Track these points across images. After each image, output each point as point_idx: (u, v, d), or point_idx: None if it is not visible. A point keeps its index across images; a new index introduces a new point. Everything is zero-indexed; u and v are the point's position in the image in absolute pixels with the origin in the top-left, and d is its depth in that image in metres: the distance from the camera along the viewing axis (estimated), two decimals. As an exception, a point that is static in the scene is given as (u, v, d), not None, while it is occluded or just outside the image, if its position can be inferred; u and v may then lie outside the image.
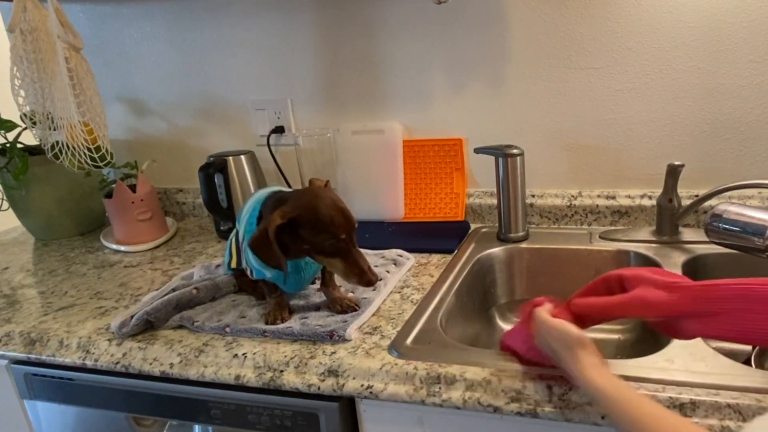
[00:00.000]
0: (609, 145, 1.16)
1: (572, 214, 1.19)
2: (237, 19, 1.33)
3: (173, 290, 0.94)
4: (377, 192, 1.29)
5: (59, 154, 1.20)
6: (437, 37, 1.20)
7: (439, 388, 0.72)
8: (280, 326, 0.84)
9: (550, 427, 0.70)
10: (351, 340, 0.81)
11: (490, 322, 1.10)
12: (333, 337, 0.81)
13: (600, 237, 1.11)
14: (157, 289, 1.02)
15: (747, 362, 0.84)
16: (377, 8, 1.22)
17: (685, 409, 0.63)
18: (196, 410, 0.86)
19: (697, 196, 1.09)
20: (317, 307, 0.91)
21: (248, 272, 0.87)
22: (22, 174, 1.27)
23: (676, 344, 0.74)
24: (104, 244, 1.33)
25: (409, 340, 0.80)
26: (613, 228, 1.15)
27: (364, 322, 0.86)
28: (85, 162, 1.19)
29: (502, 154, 1.09)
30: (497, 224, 1.16)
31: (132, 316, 0.89)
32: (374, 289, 0.94)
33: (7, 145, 1.30)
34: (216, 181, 1.24)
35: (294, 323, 0.85)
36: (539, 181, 1.21)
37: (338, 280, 0.91)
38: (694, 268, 0.99)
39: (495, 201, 1.20)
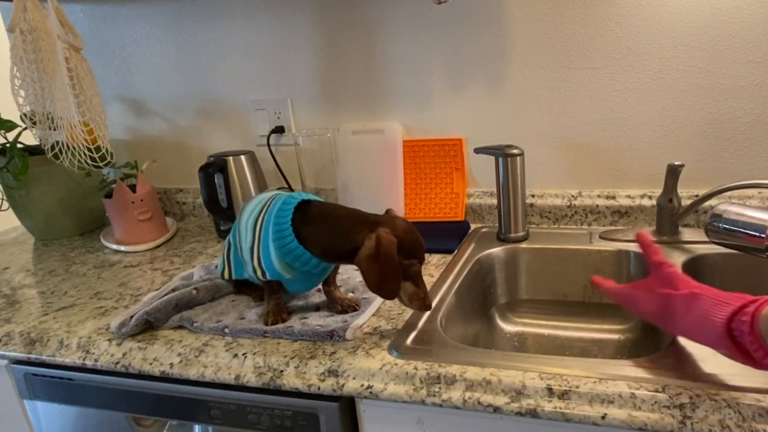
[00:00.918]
0: (609, 145, 1.16)
1: (572, 214, 1.19)
2: (237, 19, 1.33)
3: (173, 290, 0.94)
4: (377, 192, 1.29)
5: (59, 154, 1.20)
6: (437, 37, 1.20)
7: (439, 388, 0.72)
8: (281, 326, 0.84)
9: (550, 427, 0.70)
10: (351, 340, 0.81)
11: (490, 322, 1.10)
12: (333, 337, 0.81)
13: (600, 237, 1.11)
14: (157, 289, 1.02)
15: (747, 362, 0.84)
16: (377, 8, 1.22)
17: (685, 409, 0.63)
18: (196, 410, 0.86)
19: (697, 196, 1.09)
20: (317, 307, 0.91)
21: (259, 273, 0.86)
22: (22, 174, 1.27)
23: (676, 344, 0.74)
24: (104, 244, 1.33)
25: (409, 340, 0.80)
26: (613, 228, 1.15)
27: (364, 322, 0.86)
28: (85, 162, 1.19)
29: (502, 154, 1.09)
30: (497, 224, 1.16)
31: (132, 316, 0.89)
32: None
33: (7, 145, 1.30)
34: (216, 181, 1.24)
35: (294, 323, 0.85)
36: (539, 181, 1.21)
37: (340, 281, 0.91)
38: (694, 268, 0.99)
39: (495, 201, 1.20)
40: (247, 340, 0.84)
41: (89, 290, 1.09)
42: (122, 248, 1.29)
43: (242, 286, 0.98)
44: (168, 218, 1.42)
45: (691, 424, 0.62)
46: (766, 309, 0.59)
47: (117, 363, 0.86)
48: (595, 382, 0.67)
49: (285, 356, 0.79)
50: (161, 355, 0.84)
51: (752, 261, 0.99)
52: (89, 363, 0.88)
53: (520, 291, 1.13)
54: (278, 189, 1.36)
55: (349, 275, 1.00)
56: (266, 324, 0.85)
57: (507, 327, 1.11)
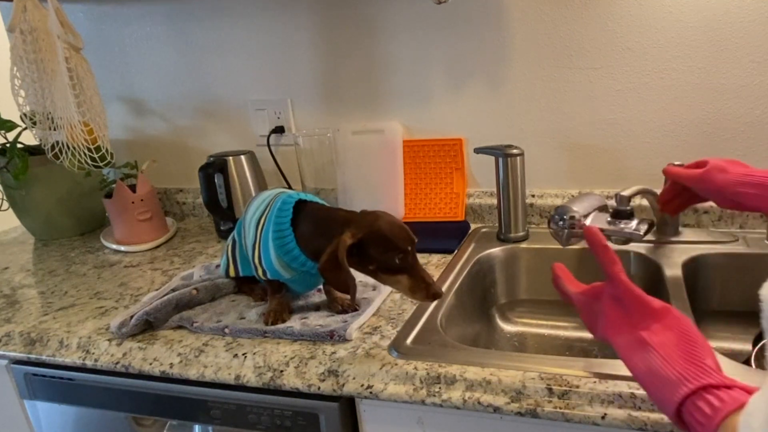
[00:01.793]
0: (609, 145, 1.16)
1: (572, 214, 1.19)
2: (237, 19, 1.33)
3: (173, 290, 0.94)
4: (377, 192, 1.29)
5: (59, 154, 1.20)
6: (437, 37, 1.20)
7: (439, 388, 0.72)
8: (281, 326, 0.84)
9: (550, 427, 0.70)
10: (351, 340, 0.81)
11: (490, 322, 1.10)
12: (333, 337, 0.81)
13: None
14: (156, 289, 1.02)
15: (747, 362, 0.84)
16: (377, 8, 1.22)
17: (685, 409, 0.63)
18: (196, 410, 0.86)
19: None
20: (317, 307, 0.91)
21: (260, 272, 0.86)
22: (22, 174, 1.27)
23: (676, 344, 0.74)
24: (104, 244, 1.33)
25: (409, 340, 0.80)
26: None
27: (364, 322, 0.86)
28: (85, 162, 1.19)
29: (502, 154, 1.09)
30: (497, 224, 1.16)
31: (132, 317, 0.89)
32: (374, 289, 0.94)
33: (7, 145, 1.30)
34: (216, 181, 1.24)
35: (294, 323, 0.85)
36: (539, 181, 1.21)
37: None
38: (694, 268, 0.99)
39: (495, 201, 1.20)
40: (247, 340, 0.84)
41: (89, 290, 1.09)
42: (122, 248, 1.29)
43: (243, 286, 0.98)
44: (168, 218, 1.42)
45: (691, 424, 0.62)
46: (738, 418, 0.44)
47: (117, 363, 0.86)
48: (595, 382, 0.67)
49: (285, 356, 0.79)
50: (161, 355, 0.84)
51: (752, 261, 0.99)
52: (89, 363, 0.88)
53: (519, 291, 1.13)
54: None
55: (349, 275, 1.00)
56: (267, 323, 0.85)
57: (507, 327, 1.11)
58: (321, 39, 1.29)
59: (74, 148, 1.18)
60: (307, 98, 1.34)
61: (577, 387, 0.67)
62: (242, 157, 1.28)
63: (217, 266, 1.08)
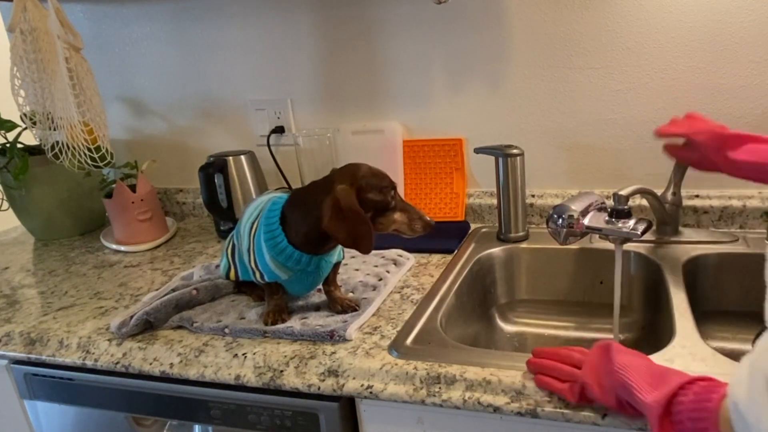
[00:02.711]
0: (609, 145, 1.16)
1: (572, 214, 1.19)
2: (237, 19, 1.33)
3: (173, 290, 0.94)
4: (377, 192, 1.29)
5: (59, 154, 1.20)
6: (437, 37, 1.20)
7: (439, 388, 0.72)
8: (281, 326, 0.84)
9: (550, 427, 0.70)
10: (351, 340, 0.81)
11: (490, 322, 1.10)
12: (333, 337, 0.81)
13: (600, 237, 1.10)
14: (156, 290, 1.02)
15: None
16: (377, 8, 1.22)
17: (685, 409, 0.63)
18: (196, 410, 0.86)
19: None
20: (317, 307, 0.91)
21: (258, 276, 0.85)
22: (22, 174, 1.27)
23: (676, 344, 0.74)
24: (104, 244, 1.33)
25: (409, 340, 0.81)
26: (613, 228, 1.15)
27: (364, 322, 0.86)
28: (85, 162, 1.19)
29: (502, 154, 1.09)
30: (497, 224, 1.16)
31: (132, 317, 0.89)
32: (374, 289, 0.94)
33: (7, 145, 1.30)
34: (216, 181, 1.24)
35: (294, 323, 0.85)
36: (539, 181, 1.21)
37: (340, 281, 0.91)
38: (694, 268, 0.99)
39: (495, 201, 1.20)
40: (247, 340, 0.84)
41: (89, 290, 1.09)
42: (122, 248, 1.29)
43: (242, 286, 0.98)
44: (168, 218, 1.42)
45: (691, 424, 0.62)
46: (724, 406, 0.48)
47: (117, 363, 0.86)
48: (595, 382, 0.67)
49: (285, 356, 0.79)
50: (161, 355, 0.84)
51: (752, 261, 0.99)
52: (89, 363, 0.88)
53: (520, 291, 1.13)
54: (278, 189, 1.36)
55: (349, 275, 1.00)
56: (266, 324, 0.85)
57: (507, 327, 1.11)
58: (321, 39, 1.29)
59: (74, 148, 1.18)
60: (307, 98, 1.34)
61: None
62: (242, 157, 1.28)
63: (217, 266, 1.08)
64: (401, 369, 0.74)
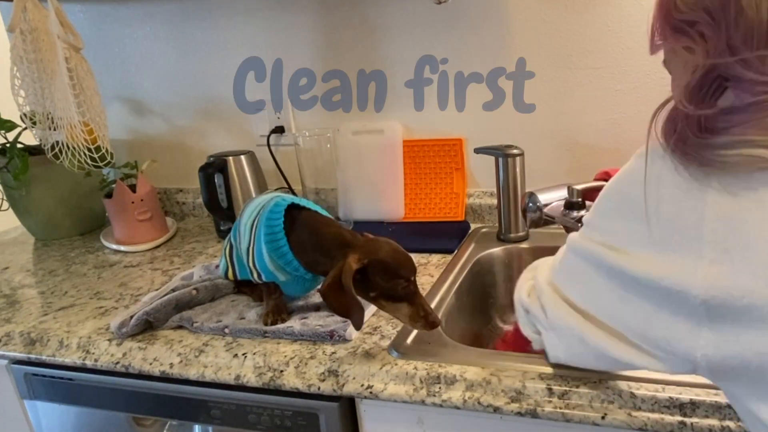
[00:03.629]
0: (609, 145, 1.16)
1: (572, 214, 1.19)
2: (237, 18, 1.33)
3: (173, 290, 0.94)
4: (377, 192, 1.29)
5: (59, 154, 1.20)
6: (437, 37, 1.20)
7: (439, 388, 0.72)
8: (281, 326, 0.84)
9: (550, 427, 0.70)
10: (351, 340, 0.81)
11: (490, 322, 1.10)
12: (333, 337, 0.81)
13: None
14: (156, 290, 1.02)
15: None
16: (377, 8, 1.22)
17: (685, 409, 0.63)
18: (196, 410, 0.86)
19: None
20: (317, 308, 0.91)
21: (255, 275, 0.86)
22: (22, 174, 1.27)
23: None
24: (104, 244, 1.33)
25: (409, 340, 0.80)
26: (613, 228, 1.15)
27: (364, 322, 0.86)
28: (85, 162, 1.19)
29: (502, 154, 1.09)
30: (497, 224, 1.16)
31: (131, 317, 0.89)
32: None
33: (7, 145, 1.30)
34: (216, 181, 1.24)
35: (294, 323, 0.85)
36: (539, 181, 1.21)
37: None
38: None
39: (495, 201, 1.20)
40: (247, 340, 0.84)
41: (89, 290, 1.09)
42: (122, 248, 1.29)
43: (242, 286, 0.98)
44: (168, 218, 1.42)
45: (691, 424, 0.62)
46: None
47: (117, 363, 0.86)
48: (595, 382, 0.67)
49: (285, 356, 0.79)
50: (161, 355, 0.84)
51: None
52: (89, 363, 0.88)
53: (520, 291, 1.13)
54: (278, 189, 1.36)
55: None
56: (266, 324, 0.85)
57: (507, 327, 1.11)
58: (321, 39, 1.28)
59: (74, 148, 1.18)
60: (307, 98, 1.34)
61: (577, 387, 0.67)
62: (242, 157, 1.28)
63: (217, 266, 1.08)
64: (401, 369, 0.74)
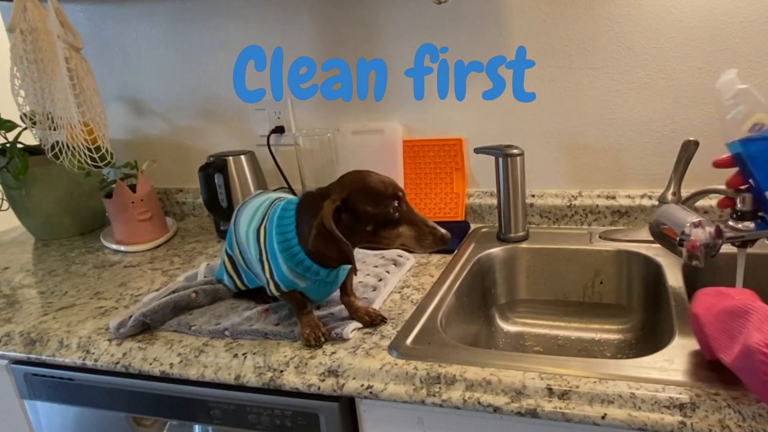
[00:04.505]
0: (609, 145, 1.16)
1: (572, 214, 1.19)
2: (237, 19, 1.33)
3: (173, 292, 0.94)
4: (377, 192, 1.29)
5: (59, 154, 1.20)
6: (437, 37, 1.20)
7: (439, 388, 0.72)
8: (282, 330, 0.84)
9: (550, 427, 0.70)
10: (349, 339, 0.81)
11: (490, 322, 1.10)
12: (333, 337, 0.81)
13: (600, 237, 1.11)
14: (157, 290, 1.02)
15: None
16: (377, 8, 1.22)
17: (685, 409, 0.63)
18: (196, 410, 0.86)
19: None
20: (317, 307, 0.90)
21: (272, 287, 0.82)
22: (22, 174, 1.27)
23: (676, 344, 0.74)
24: (104, 244, 1.33)
25: (409, 340, 0.80)
26: (613, 228, 1.15)
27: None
28: (85, 162, 1.19)
29: (502, 154, 1.09)
30: (497, 224, 1.16)
31: (130, 317, 0.89)
32: (375, 290, 0.94)
33: (7, 145, 1.30)
34: (216, 181, 1.24)
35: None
36: (539, 181, 1.21)
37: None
38: (694, 267, 0.99)
39: (495, 201, 1.20)
40: (247, 340, 0.84)
41: (89, 290, 1.09)
42: (122, 248, 1.29)
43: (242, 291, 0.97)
44: (168, 218, 1.42)
45: (691, 424, 0.62)
46: None
47: (117, 363, 0.86)
48: (595, 382, 0.67)
49: (285, 356, 0.79)
50: (161, 355, 0.84)
51: (753, 261, 0.99)
52: (89, 363, 0.88)
53: (520, 291, 1.13)
54: (278, 189, 1.36)
55: (349, 275, 1.00)
56: (309, 345, 0.80)
57: (507, 327, 1.11)
58: (321, 38, 1.28)
59: (74, 148, 1.18)
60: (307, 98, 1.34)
61: (577, 387, 0.67)
62: (242, 157, 1.28)
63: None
64: (401, 369, 0.74)
